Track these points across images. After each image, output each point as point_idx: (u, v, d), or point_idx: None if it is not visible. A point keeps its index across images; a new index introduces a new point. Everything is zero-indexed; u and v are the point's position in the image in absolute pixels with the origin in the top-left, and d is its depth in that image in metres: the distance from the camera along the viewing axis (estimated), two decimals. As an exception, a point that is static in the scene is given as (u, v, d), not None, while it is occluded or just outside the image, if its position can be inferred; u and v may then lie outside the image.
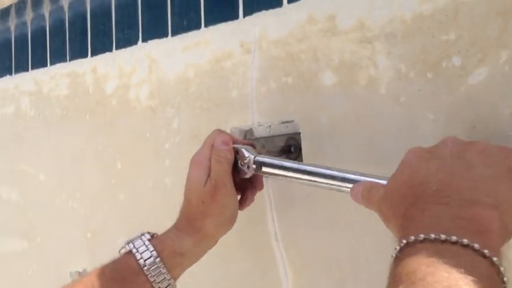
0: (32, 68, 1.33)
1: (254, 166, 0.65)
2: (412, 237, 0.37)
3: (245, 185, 0.69)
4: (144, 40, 0.96)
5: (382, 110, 0.59)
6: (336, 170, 0.55)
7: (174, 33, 0.90)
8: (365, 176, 0.51)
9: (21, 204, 1.41)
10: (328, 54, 0.65)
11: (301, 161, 0.71)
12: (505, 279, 0.35)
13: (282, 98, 0.71)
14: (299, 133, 0.71)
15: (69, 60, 1.18)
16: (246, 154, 0.66)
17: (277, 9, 0.71)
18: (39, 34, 1.29)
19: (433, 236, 0.36)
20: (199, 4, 0.84)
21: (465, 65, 0.51)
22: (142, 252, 0.62)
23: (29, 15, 1.35)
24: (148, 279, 0.61)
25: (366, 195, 0.49)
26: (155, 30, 0.94)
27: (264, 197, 0.75)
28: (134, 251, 0.62)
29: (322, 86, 0.66)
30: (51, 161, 1.27)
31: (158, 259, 0.61)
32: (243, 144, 0.68)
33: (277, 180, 0.71)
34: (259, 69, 0.74)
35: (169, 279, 0.62)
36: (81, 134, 1.16)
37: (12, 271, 1.47)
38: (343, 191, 0.53)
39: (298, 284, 0.72)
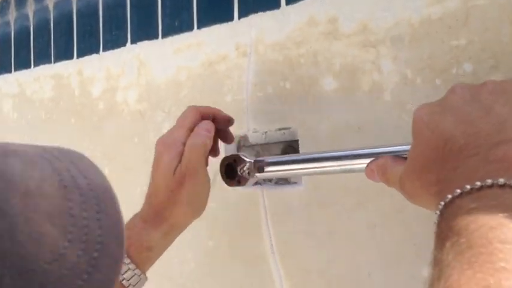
0: (15, 70, 1.29)
1: (256, 170, 0.62)
2: (449, 196, 0.36)
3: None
4: (133, 42, 0.93)
5: (387, 117, 0.56)
6: (344, 150, 0.52)
7: (165, 35, 0.86)
8: (378, 148, 0.48)
9: (3, 210, 1.36)
10: (329, 59, 0.62)
11: (299, 169, 0.68)
12: None
13: (279, 104, 0.68)
14: (297, 140, 0.68)
15: (54, 62, 1.14)
16: (246, 159, 0.63)
17: (275, 11, 0.68)
18: (22, 34, 1.25)
19: (468, 186, 0.35)
20: (192, 4, 0.80)
21: (477, 71, 0.49)
22: None
23: (12, 15, 1.30)
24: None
25: (383, 173, 0.46)
26: (145, 32, 0.90)
27: (259, 208, 0.72)
28: None
29: (322, 91, 0.63)
30: (35, 166, 1.22)
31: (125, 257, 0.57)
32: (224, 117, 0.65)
33: (282, 178, 0.68)
34: (256, 74, 0.71)
35: (139, 275, 0.59)
36: (66, 138, 1.11)
37: None
38: (356, 170, 0.50)
39: (295, 297, 0.69)
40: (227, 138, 0.67)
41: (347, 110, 0.61)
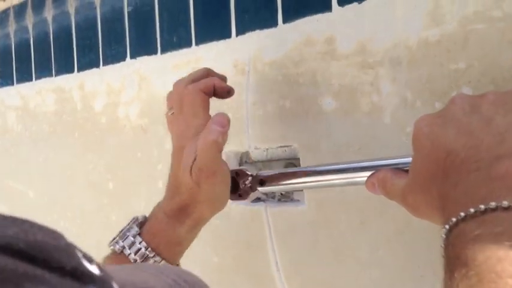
0: (17, 82, 1.29)
1: (258, 184, 0.61)
2: (453, 219, 0.35)
3: None
4: (133, 56, 0.92)
5: (387, 139, 0.56)
6: (346, 163, 0.52)
7: (163, 51, 0.86)
8: (379, 160, 0.48)
9: (11, 222, 1.37)
10: (328, 79, 0.61)
11: (301, 187, 0.68)
12: None
13: (279, 122, 0.68)
14: (298, 158, 0.68)
15: (55, 76, 1.14)
16: (248, 172, 0.62)
17: (272, 30, 0.68)
18: (23, 47, 1.25)
19: (472, 210, 0.34)
20: (189, 21, 0.80)
21: (476, 96, 0.48)
22: (136, 253, 0.57)
23: (12, 27, 1.30)
24: None
25: (384, 186, 0.46)
26: (144, 47, 0.90)
27: (263, 225, 0.72)
28: (127, 252, 0.57)
29: (322, 111, 0.62)
30: (40, 178, 1.23)
31: (154, 255, 0.56)
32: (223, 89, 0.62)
33: (285, 195, 0.68)
34: (255, 92, 0.71)
35: None
36: (70, 151, 1.12)
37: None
38: (359, 183, 0.50)
39: (301, 315, 0.69)
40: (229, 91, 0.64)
41: (347, 130, 0.60)
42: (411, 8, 0.52)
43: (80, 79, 1.06)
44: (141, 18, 0.89)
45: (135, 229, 0.58)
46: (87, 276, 0.23)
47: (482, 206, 0.33)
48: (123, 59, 0.94)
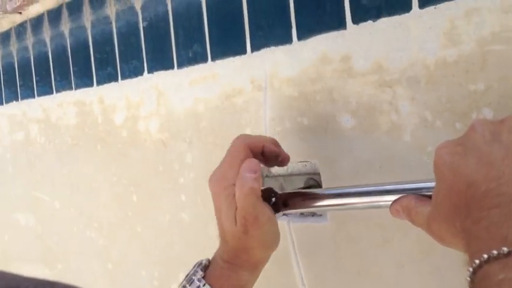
0: (38, 95, 1.31)
1: (282, 204, 0.61)
2: (477, 261, 0.35)
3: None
4: (150, 71, 0.93)
5: (408, 158, 0.55)
6: (369, 186, 0.52)
7: (180, 66, 0.86)
8: (403, 184, 0.48)
9: (39, 231, 1.40)
10: (345, 96, 0.61)
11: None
12: None
13: (298, 139, 0.68)
14: (318, 173, 0.68)
15: (75, 89, 1.15)
16: (272, 193, 0.62)
17: (287, 46, 0.67)
18: (42, 60, 1.26)
19: (495, 252, 0.34)
20: (204, 36, 0.80)
21: (497, 117, 0.47)
22: None
23: (29, 40, 1.31)
24: None
25: (408, 213, 0.46)
26: (160, 62, 0.90)
27: (286, 240, 0.72)
28: None
29: (341, 128, 0.62)
30: (65, 190, 1.25)
31: None
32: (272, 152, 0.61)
33: (311, 216, 0.68)
34: (272, 108, 0.71)
35: None
36: (93, 163, 1.13)
37: (37, 297, 1.47)
38: (382, 207, 0.50)
39: (328, 329, 0.70)
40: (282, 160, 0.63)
41: (367, 148, 0.60)
42: (426, 28, 0.51)
43: (100, 92, 1.07)
44: (157, 34, 0.90)
45: (200, 273, 0.59)
46: None
47: (505, 249, 0.33)
48: (141, 73, 0.95)
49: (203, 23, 0.80)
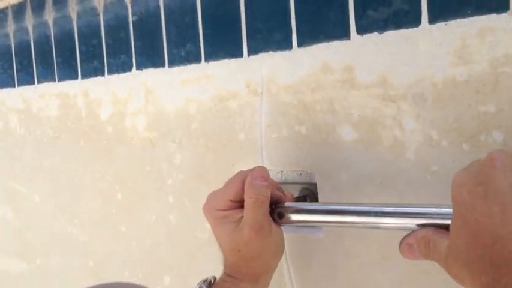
0: (19, 85, 1.26)
1: (276, 216, 0.59)
2: None
3: None
4: (139, 68, 0.90)
5: (411, 176, 0.54)
6: (371, 205, 0.50)
7: (171, 64, 0.83)
8: (411, 207, 0.46)
9: (18, 225, 1.36)
10: (347, 108, 0.59)
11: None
12: None
13: (295, 148, 0.66)
14: (315, 183, 0.66)
15: (58, 81, 1.11)
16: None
17: (286, 52, 0.65)
18: (23, 48, 1.22)
19: None
20: (198, 35, 0.77)
21: (508, 141, 0.46)
22: None
23: (10, 27, 1.27)
24: None
25: (425, 246, 0.44)
26: (151, 59, 0.87)
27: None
28: None
29: (341, 140, 0.61)
30: (46, 183, 1.22)
31: None
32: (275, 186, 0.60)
33: (306, 227, 0.67)
34: (269, 114, 0.69)
35: None
36: (76, 158, 1.10)
37: (13, 291, 1.43)
38: (382, 228, 0.49)
39: None
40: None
41: (368, 163, 0.58)
42: (436, 44, 0.50)
43: (84, 86, 1.04)
44: (147, 29, 0.86)
45: None
46: None
47: None
48: (129, 69, 0.92)
49: (197, 21, 0.77)
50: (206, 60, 0.77)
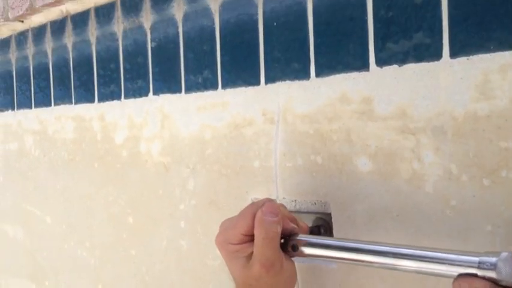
0: (36, 106, 1.27)
1: (290, 248, 0.58)
2: None
3: None
4: (156, 93, 0.90)
5: (429, 210, 0.53)
6: (389, 246, 0.49)
7: (188, 90, 0.84)
8: (430, 251, 0.45)
9: (28, 245, 1.36)
10: (364, 139, 0.59)
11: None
12: None
13: (310, 177, 0.66)
14: (329, 213, 0.66)
15: (75, 104, 1.12)
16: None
17: (304, 81, 0.65)
18: (42, 71, 1.24)
19: None
20: (216, 63, 0.78)
21: (530, 178, 0.45)
22: None
23: (30, 50, 1.29)
24: None
25: None
26: (167, 85, 0.88)
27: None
28: None
29: (357, 171, 0.60)
30: (59, 205, 1.22)
31: None
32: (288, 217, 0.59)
33: (319, 262, 0.66)
34: (284, 143, 0.68)
35: None
36: (89, 181, 1.10)
37: (21, 313, 1.43)
38: (400, 270, 0.48)
39: None
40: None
41: (384, 195, 0.58)
42: (457, 78, 0.50)
43: (101, 109, 1.05)
44: (165, 55, 0.87)
45: None
46: None
47: None
48: (146, 94, 0.92)
49: (215, 49, 0.78)
50: (223, 87, 0.77)
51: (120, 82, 0.98)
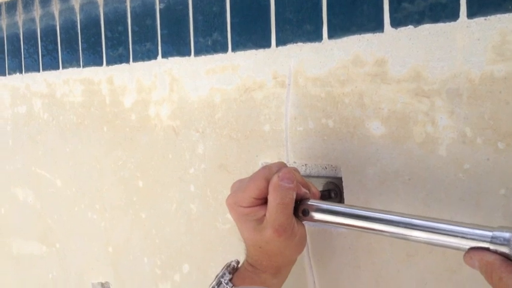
0: (43, 69, 1.27)
1: (300, 212, 0.59)
2: None
3: None
4: (164, 56, 0.89)
5: (442, 173, 0.53)
6: (401, 215, 0.48)
7: (197, 53, 0.83)
8: (441, 223, 0.45)
9: (38, 208, 1.37)
10: (377, 102, 0.58)
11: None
12: None
13: (321, 141, 0.65)
14: (340, 178, 0.65)
15: (83, 67, 1.11)
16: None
17: (316, 44, 0.64)
18: (49, 34, 1.22)
19: None
20: (226, 25, 0.76)
21: (546, 141, 0.45)
22: None
23: (37, 12, 1.27)
24: None
25: (488, 273, 0.41)
26: (176, 47, 0.87)
27: (301, 243, 0.70)
28: None
29: (369, 135, 0.59)
30: (68, 168, 1.22)
31: None
32: (302, 183, 0.59)
33: (329, 227, 0.66)
34: (295, 106, 0.68)
35: None
36: (98, 145, 1.10)
37: (32, 274, 1.45)
38: (412, 241, 0.48)
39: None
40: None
41: (397, 158, 0.57)
42: (474, 39, 0.48)
43: (109, 73, 1.04)
44: (174, 17, 0.86)
45: (228, 276, 0.60)
46: None
47: None
48: (154, 57, 0.92)
49: (225, 10, 0.76)
50: (233, 50, 0.76)
51: (129, 45, 0.97)
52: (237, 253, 0.67)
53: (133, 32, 0.96)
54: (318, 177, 0.69)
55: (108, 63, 1.04)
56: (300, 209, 0.58)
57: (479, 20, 0.48)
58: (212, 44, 0.79)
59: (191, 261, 0.93)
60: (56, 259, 1.33)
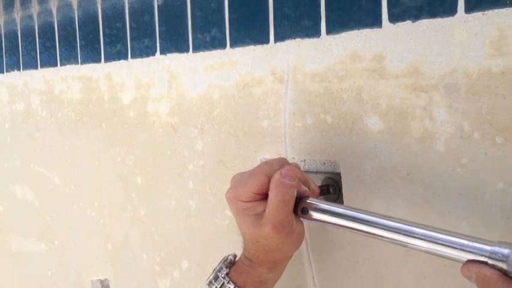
0: (41, 66, 1.27)
1: (300, 210, 0.58)
2: None
3: None
4: (163, 52, 0.89)
5: (440, 168, 0.53)
6: (402, 223, 0.48)
7: (195, 49, 0.83)
8: (444, 234, 0.45)
9: (37, 206, 1.37)
10: (375, 97, 0.58)
11: (342, 203, 0.65)
12: None
13: (319, 136, 0.65)
14: (338, 173, 0.66)
15: (81, 64, 1.11)
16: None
17: (314, 39, 0.64)
18: (47, 30, 1.22)
19: None
20: (224, 21, 0.76)
21: (544, 135, 0.45)
22: None
23: (34, 8, 1.27)
24: None
25: (485, 286, 0.41)
26: (174, 44, 0.86)
27: (300, 239, 0.70)
28: None
29: (367, 130, 0.60)
30: (66, 166, 1.22)
31: None
32: (302, 179, 0.58)
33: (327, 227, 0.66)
34: (294, 102, 0.68)
35: None
36: (97, 142, 1.10)
37: (31, 271, 1.45)
38: (412, 248, 0.47)
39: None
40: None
41: (395, 154, 0.57)
42: (471, 34, 0.49)
43: (107, 69, 1.04)
44: (172, 13, 0.86)
45: (225, 270, 0.61)
46: None
47: None
48: (153, 53, 0.92)
49: (223, 6, 0.76)
50: (231, 46, 0.76)
51: (127, 41, 0.97)
52: (236, 249, 0.68)
53: (131, 28, 0.96)
54: (316, 172, 0.69)
55: (106, 59, 1.04)
56: (299, 207, 0.58)
57: (477, 15, 0.48)
58: (210, 40, 0.79)
59: (190, 258, 0.93)
60: (55, 256, 1.34)
